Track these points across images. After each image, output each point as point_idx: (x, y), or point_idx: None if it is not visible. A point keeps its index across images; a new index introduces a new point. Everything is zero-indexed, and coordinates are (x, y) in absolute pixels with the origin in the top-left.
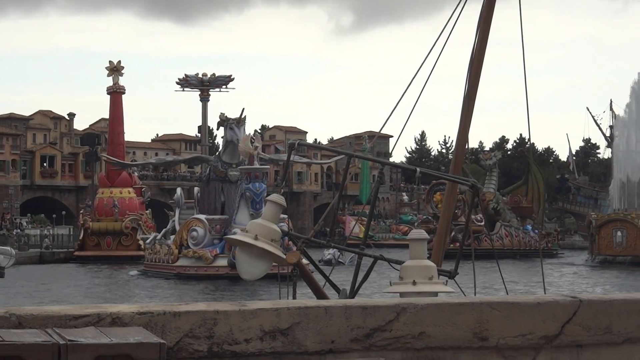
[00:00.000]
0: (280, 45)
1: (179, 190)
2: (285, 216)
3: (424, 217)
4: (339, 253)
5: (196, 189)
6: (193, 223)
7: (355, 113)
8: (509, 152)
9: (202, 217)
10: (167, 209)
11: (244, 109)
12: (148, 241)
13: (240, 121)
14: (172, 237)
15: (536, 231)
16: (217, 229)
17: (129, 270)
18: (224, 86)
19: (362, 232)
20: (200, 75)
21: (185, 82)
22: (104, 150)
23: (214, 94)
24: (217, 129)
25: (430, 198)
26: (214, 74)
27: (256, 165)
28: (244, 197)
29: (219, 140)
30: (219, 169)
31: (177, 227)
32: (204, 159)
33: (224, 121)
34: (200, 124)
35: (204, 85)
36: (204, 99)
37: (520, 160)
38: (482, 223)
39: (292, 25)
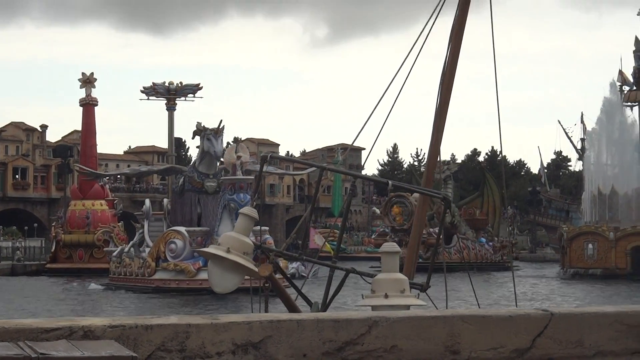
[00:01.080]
0: (255, 57)
1: (147, 201)
2: (267, 228)
3: (382, 229)
4: (302, 266)
5: (165, 200)
6: (171, 235)
7: (329, 125)
8: (481, 165)
9: (182, 229)
10: (133, 221)
11: (222, 120)
12: (115, 254)
13: (219, 132)
14: (147, 249)
15: (490, 244)
16: (199, 241)
17: (88, 284)
18: (191, 95)
19: (326, 246)
20: (167, 84)
21: (152, 91)
22: (77, 162)
23: (183, 104)
24: (193, 138)
25: (388, 211)
26: (180, 82)
27: (239, 175)
28: (227, 208)
29: (193, 151)
30: (195, 179)
31: (147, 239)
32: (177, 169)
33: (200, 131)
34: (173, 137)
35: (171, 93)
36: (171, 108)
37: (491, 173)
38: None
39: (267, 37)
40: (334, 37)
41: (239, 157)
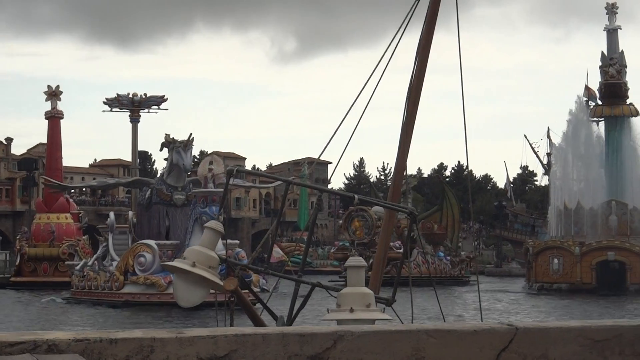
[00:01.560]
0: (222, 71)
1: (111, 214)
2: (237, 241)
3: (340, 243)
4: (263, 280)
5: (130, 213)
6: (140, 248)
7: (295, 139)
8: (447, 179)
9: (152, 242)
10: (97, 234)
11: (191, 133)
12: (78, 267)
13: (188, 144)
14: (114, 262)
15: (448, 258)
16: (169, 255)
17: (43, 297)
18: (155, 106)
19: (284, 258)
20: (130, 95)
21: (116, 102)
22: (42, 175)
23: (148, 117)
24: (161, 150)
25: (348, 225)
26: (145, 94)
27: (212, 188)
28: (198, 221)
29: (159, 164)
30: (163, 192)
31: (112, 253)
32: (144, 182)
33: (169, 143)
34: (137, 149)
35: (135, 105)
36: (134, 119)
37: (458, 187)
38: (401, 250)
39: (234, 50)
40: (302, 51)
41: (210, 170)
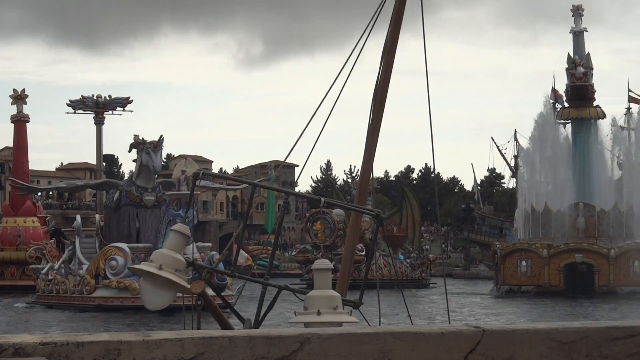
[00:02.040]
0: (189, 74)
1: (78, 217)
2: (210, 244)
3: (302, 246)
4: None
5: (97, 216)
6: (111, 252)
7: (262, 142)
8: (414, 182)
9: (123, 245)
10: (63, 237)
11: (162, 135)
12: (44, 271)
13: (157, 146)
14: (84, 266)
15: (408, 260)
16: (141, 258)
17: (15, 302)
18: (120, 108)
19: (250, 261)
20: (94, 97)
21: (80, 104)
22: (8, 179)
23: (113, 120)
24: (129, 151)
25: (309, 227)
26: (109, 95)
27: (185, 191)
28: (171, 223)
29: (126, 167)
30: (133, 193)
31: (79, 256)
32: (113, 183)
33: (138, 144)
34: (102, 152)
35: (99, 107)
36: (99, 122)
37: (425, 190)
38: (363, 253)
39: (201, 53)
40: (269, 54)
41: (183, 172)
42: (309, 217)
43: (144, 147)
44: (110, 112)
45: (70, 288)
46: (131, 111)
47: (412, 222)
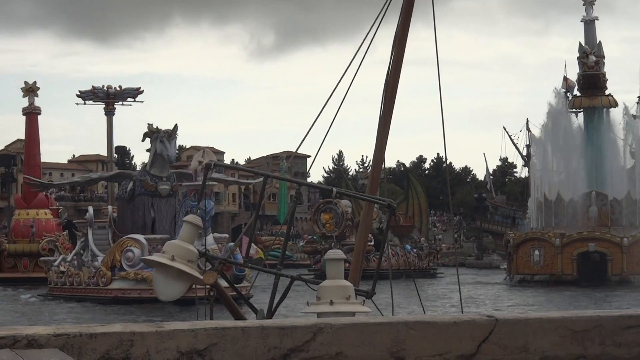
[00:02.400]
0: (200, 66)
1: (90, 209)
2: (227, 235)
3: (310, 237)
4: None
5: (110, 207)
6: (128, 243)
7: (274, 133)
8: (426, 172)
9: (140, 236)
10: (74, 230)
11: (176, 124)
12: (56, 263)
13: (172, 134)
14: (99, 258)
15: (414, 250)
16: (158, 249)
17: (21, 294)
18: (131, 99)
19: (260, 254)
20: (105, 88)
21: (90, 94)
22: (20, 171)
23: (124, 111)
24: (143, 141)
25: (317, 218)
26: (120, 86)
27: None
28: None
29: (138, 158)
30: (147, 182)
31: (93, 248)
32: (127, 174)
33: (152, 132)
34: (113, 143)
35: (110, 97)
36: (109, 112)
37: (437, 179)
38: (372, 243)
39: (213, 45)
40: (280, 45)
41: (201, 163)
42: (317, 207)
43: (158, 136)
44: (120, 102)
45: (84, 280)
46: (142, 102)
47: (418, 210)
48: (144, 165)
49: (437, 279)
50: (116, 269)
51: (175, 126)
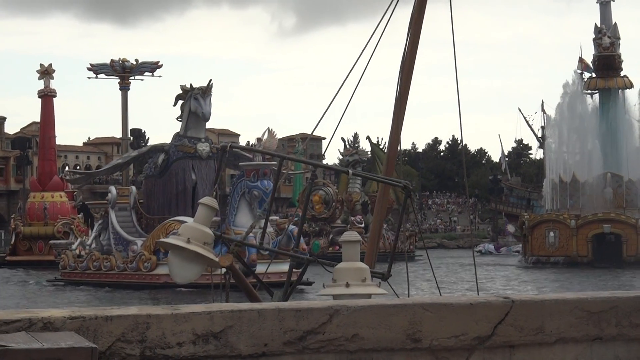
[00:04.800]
0: (219, 47)
1: (113, 189)
2: (277, 217)
3: (297, 218)
4: None
5: (133, 188)
6: (174, 226)
7: (291, 115)
8: (442, 154)
9: (188, 219)
10: (94, 212)
11: (211, 79)
12: (74, 246)
13: (206, 91)
14: (139, 241)
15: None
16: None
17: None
18: (148, 73)
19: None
20: (120, 61)
21: (103, 67)
22: (35, 154)
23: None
24: (175, 104)
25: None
26: (136, 60)
27: (259, 161)
28: (246, 196)
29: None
30: (185, 144)
31: (119, 230)
32: (159, 147)
33: (186, 92)
34: (128, 119)
35: (125, 71)
36: (124, 87)
37: (452, 161)
38: (362, 225)
39: (234, 26)
40: (301, 26)
41: (259, 141)
42: (304, 189)
43: (192, 94)
44: (136, 77)
45: (117, 264)
46: (160, 76)
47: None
48: (176, 133)
49: (415, 262)
50: (160, 253)
51: (210, 82)
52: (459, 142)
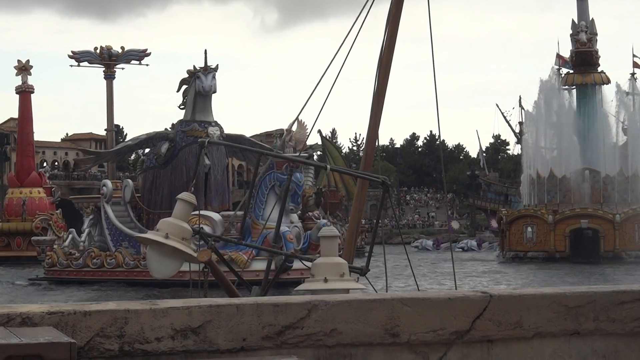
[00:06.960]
0: (201, 43)
1: (108, 182)
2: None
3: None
4: None
5: (130, 182)
6: (197, 222)
7: (270, 110)
8: (419, 149)
9: (213, 214)
10: (80, 207)
11: (206, 50)
12: (66, 242)
13: (207, 67)
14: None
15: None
16: (238, 228)
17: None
18: (135, 61)
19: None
20: (105, 48)
21: (86, 55)
22: (14, 150)
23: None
24: (178, 90)
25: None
26: (122, 47)
27: (291, 154)
28: (276, 188)
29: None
30: (196, 129)
31: (118, 225)
32: (163, 134)
33: (192, 74)
34: (113, 110)
35: (112, 59)
36: (109, 76)
37: (430, 157)
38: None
39: (216, 22)
40: (284, 22)
41: (288, 132)
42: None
43: (195, 74)
44: (123, 66)
45: (127, 262)
46: (147, 65)
47: (340, 179)
48: (180, 120)
49: (363, 258)
50: None
51: (206, 53)
52: (436, 137)
